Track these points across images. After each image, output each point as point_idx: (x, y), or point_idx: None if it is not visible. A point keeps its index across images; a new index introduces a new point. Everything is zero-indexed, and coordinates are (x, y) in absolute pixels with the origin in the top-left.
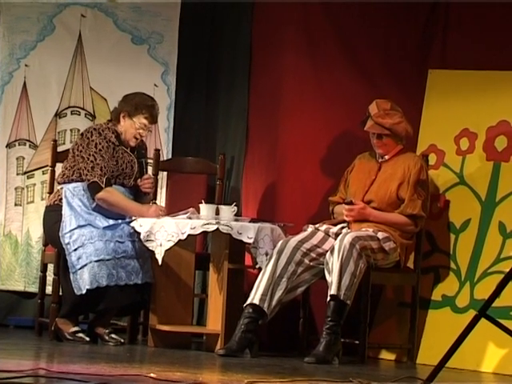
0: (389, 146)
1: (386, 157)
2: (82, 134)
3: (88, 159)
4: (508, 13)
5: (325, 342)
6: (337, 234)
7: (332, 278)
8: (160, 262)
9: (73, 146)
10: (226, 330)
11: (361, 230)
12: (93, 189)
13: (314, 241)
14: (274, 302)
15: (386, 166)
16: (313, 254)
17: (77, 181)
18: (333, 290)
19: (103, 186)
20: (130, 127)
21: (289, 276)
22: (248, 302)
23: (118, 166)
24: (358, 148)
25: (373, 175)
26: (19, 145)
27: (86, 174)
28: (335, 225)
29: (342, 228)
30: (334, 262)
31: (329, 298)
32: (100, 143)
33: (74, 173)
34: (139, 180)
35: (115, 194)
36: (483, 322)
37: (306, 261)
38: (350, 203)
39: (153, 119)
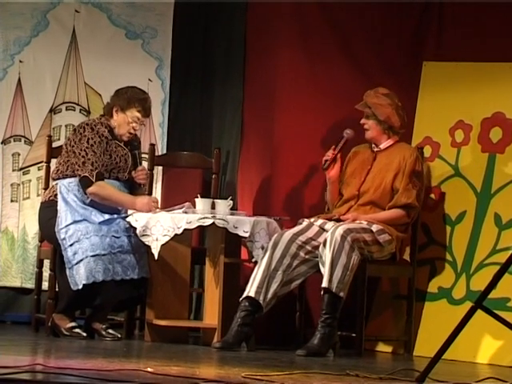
0: (373, 130)
1: (381, 146)
2: (74, 130)
3: (80, 154)
4: (502, 4)
5: (319, 335)
6: None
7: (324, 271)
8: (156, 257)
9: (66, 141)
10: (222, 324)
11: (354, 223)
12: (84, 183)
13: (310, 234)
14: (269, 295)
15: (381, 157)
16: (308, 247)
17: (71, 176)
18: (324, 283)
19: (93, 180)
20: (122, 121)
21: (284, 269)
22: (244, 295)
23: (111, 160)
24: (353, 140)
25: (368, 165)
26: (14, 141)
27: (77, 169)
28: (330, 219)
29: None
30: (326, 255)
31: (322, 291)
32: (92, 138)
33: (68, 168)
34: (133, 172)
35: (106, 188)
36: (479, 313)
37: (302, 254)
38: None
39: (145, 112)
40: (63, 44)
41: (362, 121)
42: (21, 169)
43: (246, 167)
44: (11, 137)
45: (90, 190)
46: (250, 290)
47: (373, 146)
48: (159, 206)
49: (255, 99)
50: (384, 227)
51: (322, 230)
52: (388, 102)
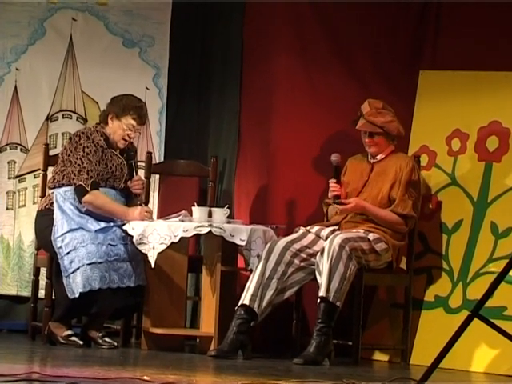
0: (380, 146)
1: (378, 157)
2: (70, 138)
3: (75, 163)
4: (498, 13)
5: (315, 344)
6: (327, 237)
7: (322, 280)
8: (153, 265)
9: (62, 150)
10: (219, 333)
11: (351, 231)
12: (79, 192)
13: (305, 242)
14: (264, 303)
15: (378, 167)
16: (303, 255)
17: (67, 185)
18: (322, 292)
19: (88, 189)
20: (117, 128)
21: (279, 277)
22: (239, 303)
23: (107, 169)
24: (349, 149)
25: (365, 176)
26: (10, 149)
27: (73, 178)
28: (326, 227)
29: (334, 231)
30: (323, 264)
31: (319, 300)
32: (88, 147)
33: (64, 177)
34: (129, 182)
35: (100, 197)
36: (476, 322)
37: (297, 261)
38: (341, 204)
39: (141, 120)
40: (60, 52)
41: (367, 140)
42: (16, 176)
43: (242, 175)
44: (7, 144)
45: (85, 198)
46: (245, 299)
47: (369, 156)
48: (153, 216)
49: (252, 108)
50: (380, 236)
51: (318, 237)
52: (391, 115)
